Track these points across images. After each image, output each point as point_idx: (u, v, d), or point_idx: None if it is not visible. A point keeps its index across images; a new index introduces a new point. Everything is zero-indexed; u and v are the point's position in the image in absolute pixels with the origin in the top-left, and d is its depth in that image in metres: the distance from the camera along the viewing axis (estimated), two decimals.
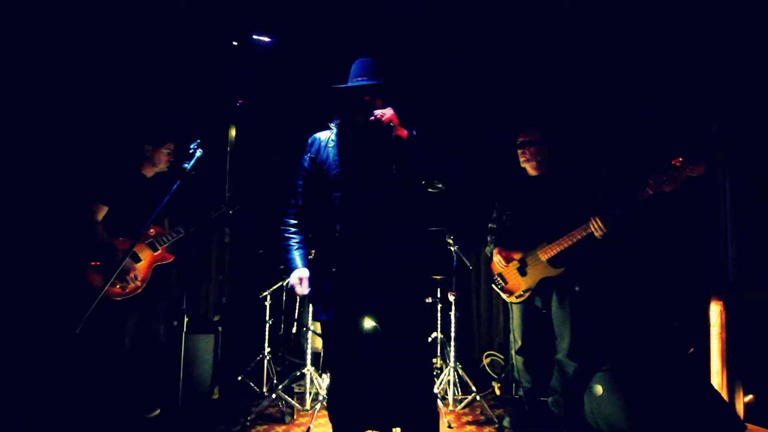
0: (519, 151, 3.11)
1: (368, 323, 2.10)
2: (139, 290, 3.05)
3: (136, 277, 3.02)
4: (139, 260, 3.09)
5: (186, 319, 3.45)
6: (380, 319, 2.04)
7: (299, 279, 2.13)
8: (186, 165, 2.31)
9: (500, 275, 3.13)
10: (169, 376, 3.25)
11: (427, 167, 2.11)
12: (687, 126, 3.21)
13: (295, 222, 2.21)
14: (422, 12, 4.00)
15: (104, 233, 3.02)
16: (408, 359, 2.04)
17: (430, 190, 2.20)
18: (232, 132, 4.45)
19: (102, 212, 3.08)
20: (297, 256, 2.16)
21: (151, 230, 3.17)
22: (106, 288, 2.15)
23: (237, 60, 4.23)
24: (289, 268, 2.16)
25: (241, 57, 4.22)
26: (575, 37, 3.93)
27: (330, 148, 2.15)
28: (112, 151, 3.58)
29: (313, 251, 2.21)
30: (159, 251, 3.16)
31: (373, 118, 1.98)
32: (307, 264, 2.20)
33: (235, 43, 4.21)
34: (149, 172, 3.27)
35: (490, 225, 3.31)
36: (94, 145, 3.74)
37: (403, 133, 2.03)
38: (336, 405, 2.14)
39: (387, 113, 1.99)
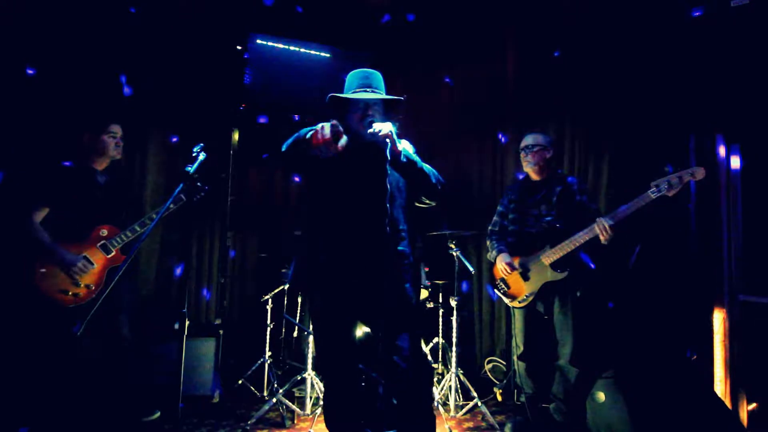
0: (522, 155, 3.11)
1: (361, 329, 2.10)
2: (93, 296, 2.81)
3: (88, 285, 2.79)
4: (92, 265, 2.83)
5: (187, 323, 3.44)
6: (375, 318, 2.04)
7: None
8: (189, 168, 2.29)
9: (503, 280, 3.12)
10: (164, 380, 3.22)
11: (416, 184, 2.14)
12: (690, 131, 3.21)
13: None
14: (423, 14, 4.02)
15: (45, 235, 2.78)
16: (405, 361, 2.03)
17: (418, 204, 2.23)
18: (235, 136, 4.47)
19: (42, 214, 2.83)
20: None
21: (104, 230, 2.89)
22: (106, 293, 2.07)
23: (240, 64, 4.25)
24: None
25: (243, 61, 4.24)
26: (577, 42, 3.94)
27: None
28: (49, 146, 3.25)
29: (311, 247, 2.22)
30: (113, 253, 2.88)
31: (371, 130, 1.97)
32: (305, 259, 2.26)
33: (239, 48, 4.24)
34: (101, 164, 2.99)
35: (490, 228, 3.30)
36: (34, 141, 3.38)
37: (397, 149, 2.00)
38: (331, 409, 2.13)
39: (385, 128, 1.96)
